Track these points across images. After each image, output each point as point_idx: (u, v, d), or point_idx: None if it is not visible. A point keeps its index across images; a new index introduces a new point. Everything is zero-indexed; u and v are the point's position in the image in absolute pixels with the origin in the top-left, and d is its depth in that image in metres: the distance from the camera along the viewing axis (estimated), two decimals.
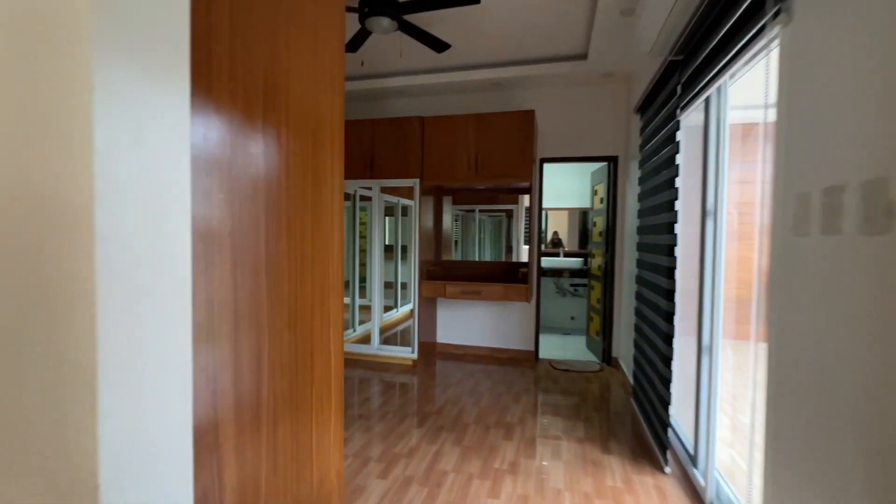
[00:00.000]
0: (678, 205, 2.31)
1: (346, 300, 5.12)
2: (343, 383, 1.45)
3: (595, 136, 4.30)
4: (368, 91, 4.53)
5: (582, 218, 6.48)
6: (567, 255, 6.41)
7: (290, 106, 1.12)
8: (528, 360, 4.52)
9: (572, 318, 6.02)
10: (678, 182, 2.30)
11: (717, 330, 2.11)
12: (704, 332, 2.18)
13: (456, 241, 5.07)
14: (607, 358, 4.39)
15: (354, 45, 3.17)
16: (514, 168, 4.00)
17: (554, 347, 5.05)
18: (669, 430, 2.36)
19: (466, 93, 4.56)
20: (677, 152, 2.30)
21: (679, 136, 2.32)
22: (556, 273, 6.08)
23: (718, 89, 2.06)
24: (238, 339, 0.95)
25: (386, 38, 3.49)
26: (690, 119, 2.40)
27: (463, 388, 3.65)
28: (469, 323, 4.71)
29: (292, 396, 1.16)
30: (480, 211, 5.00)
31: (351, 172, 4.38)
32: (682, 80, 2.31)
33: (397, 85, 4.33)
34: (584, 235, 6.48)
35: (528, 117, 3.98)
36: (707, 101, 2.16)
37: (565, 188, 6.24)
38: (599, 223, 4.72)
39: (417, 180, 4.18)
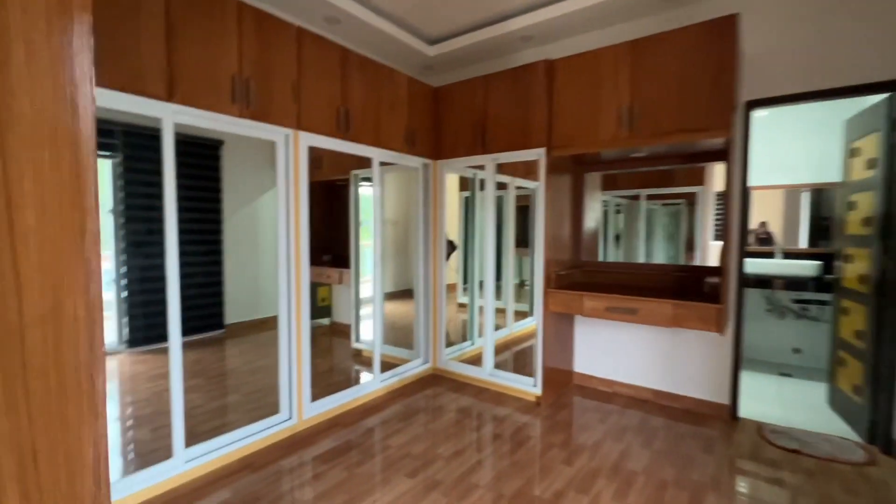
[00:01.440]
0: None
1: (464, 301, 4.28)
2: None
3: (856, 50, 2.44)
4: (480, 47, 3.54)
5: (815, 199, 4.26)
6: (788, 255, 4.29)
7: None
8: (717, 416, 2.92)
9: (797, 350, 3.96)
10: None
11: None
12: None
13: (613, 238, 3.68)
14: (881, 437, 2.49)
15: None
16: (698, 118, 2.49)
17: (765, 399, 3.24)
18: None
19: (615, 23, 3.17)
20: None
21: None
22: (764, 283, 4.08)
23: None
24: None
25: None
26: None
27: (603, 458, 2.38)
28: (621, 351, 3.32)
29: None
30: (649, 198, 3.50)
31: (459, 147, 3.47)
32: None
33: (519, 27, 3.24)
34: (817, 226, 4.26)
35: (723, 29, 2.42)
36: None
37: (783, 154, 4.16)
38: (863, 204, 2.77)
39: (543, 150, 3.02)
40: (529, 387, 3.16)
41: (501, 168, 3.76)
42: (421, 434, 2.66)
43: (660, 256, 3.41)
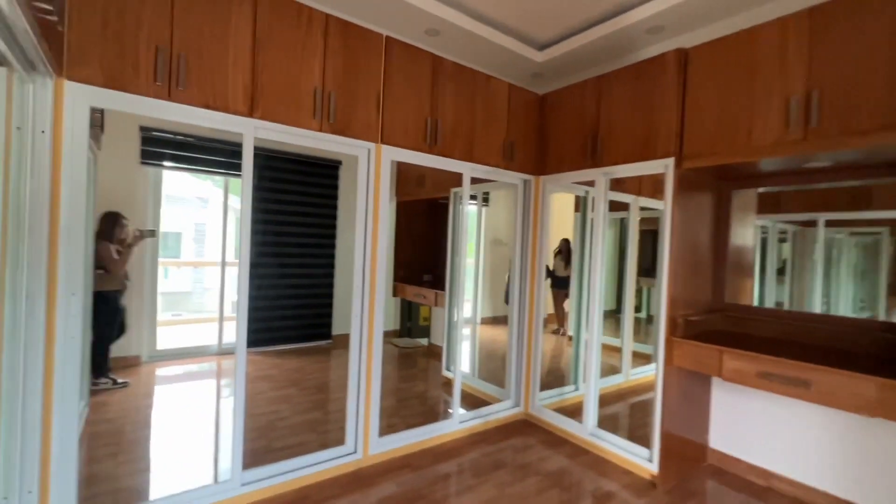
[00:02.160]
0: None
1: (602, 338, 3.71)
2: None
3: None
4: (597, 46, 3.05)
5: None
6: None
7: None
8: None
9: None
10: None
11: None
12: None
13: (774, 275, 2.79)
14: None
15: None
16: None
17: None
18: None
19: (765, 3, 2.40)
20: None
21: None
22: None
23: None
24: None
25: None
26: None
27: None
28: (783, 432, 2.43)
29: None
30: (829, 224, 2.55)
31: (565, 160, 3.00)
32: None
33: (646, 16, 2.69)
34: None
35: None
36: None
37: None
38: None
39: (671, 162, 2.40)
40: (643, 459, 2.48)
41: (621, 184, 3.19)
42: (496, 499, 2.23)
43: (846, 305, 2.43)
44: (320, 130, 2.18)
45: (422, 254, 4.81)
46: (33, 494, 1.56)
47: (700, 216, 2.56)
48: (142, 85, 1.71)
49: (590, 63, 3.35)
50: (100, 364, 3.35)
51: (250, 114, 1.97)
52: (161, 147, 4.31)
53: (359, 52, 2.30)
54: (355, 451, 2.41)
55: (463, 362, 4.05)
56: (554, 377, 4.05)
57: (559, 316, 4.42)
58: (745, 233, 2.72)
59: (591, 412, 2.81)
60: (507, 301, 3.63)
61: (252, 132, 2.00)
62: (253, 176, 4.68)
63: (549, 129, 3.12)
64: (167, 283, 4.23)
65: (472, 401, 3.44)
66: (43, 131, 1.52)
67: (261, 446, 2.66)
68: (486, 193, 5.50)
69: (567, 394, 3.46)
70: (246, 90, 1.95)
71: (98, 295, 3.27)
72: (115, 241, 3.43)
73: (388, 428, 2.85)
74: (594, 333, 2.83)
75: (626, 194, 3.69)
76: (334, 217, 5.31)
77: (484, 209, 5.63)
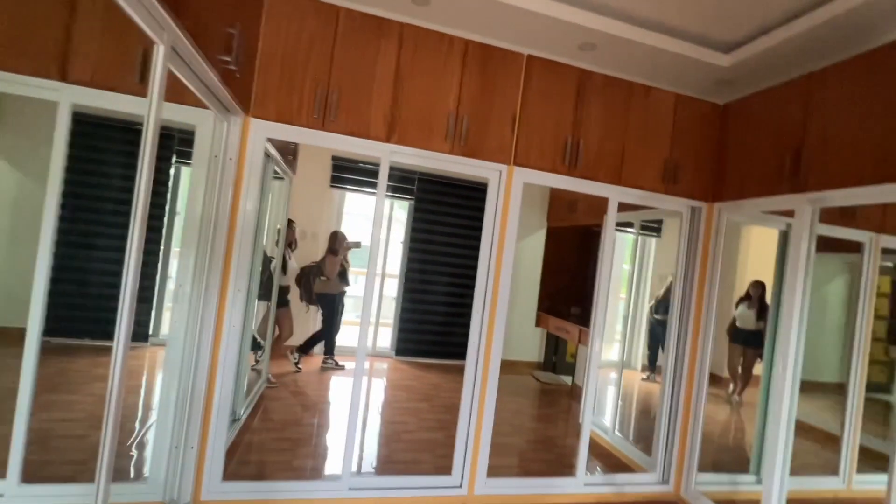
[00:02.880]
0: None
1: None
2: None
3: None
4: (808, 38, 2.33)
5: None
6: None
7: None
8: None
9: None
10: None
11: None
12: None
13: None
14: None
15: None
16: None
17: None
18: None
19: None
20: None
21: None
22: None
23: None
24: None
25: None
26: None
27: None
28: None
29: None
30: None
31: (750, 183, 2.36)
32: None
33: None
34: None
35: None
36: None
37: None
38: None
39: None
40: None
41: (850, 217, 2.41)
42: None
43: None
44: (451, 153, 2.20)
45: (570, 284, 4.45)
46: (194, 451, 1.92)
47: None
48: (303, 118, 2.01)
49: (798, 60, 2.60)
50: (330, 347, 4.37)
51: (387, 139, 2.11)
52: (346, 173, 5.09)
53: (497, 74, 2.26)
54: (460, 486, 2.28)
55: (606, 413, 3.53)
56: (728, 457, 3.19)
57: (736, 378, 3.51)
58: None
59: None
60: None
61: (388, 156, 2.14)
62: (414, 197, 5.05)
63: (732, 145, 2.52)
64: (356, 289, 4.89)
65: (611, 462, 2.94)
66: (231, 158, 1.90)
67: (382, 454, 2.77)
68: (659, 222, 4.82)
69: (743, 484, 2.66)
70: (385, 118, 2.11)
71: (321, 296, 4.32)
72: (340, 253, 4.34)
73: (503, 468, 2.65)
74: (782, 408, 2.09)
75: (859, 230, 2.73)
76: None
77: (654, 240, 4.94)
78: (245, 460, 2.42)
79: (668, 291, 3.88)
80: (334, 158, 4.92)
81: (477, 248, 5.32)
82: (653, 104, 2.51)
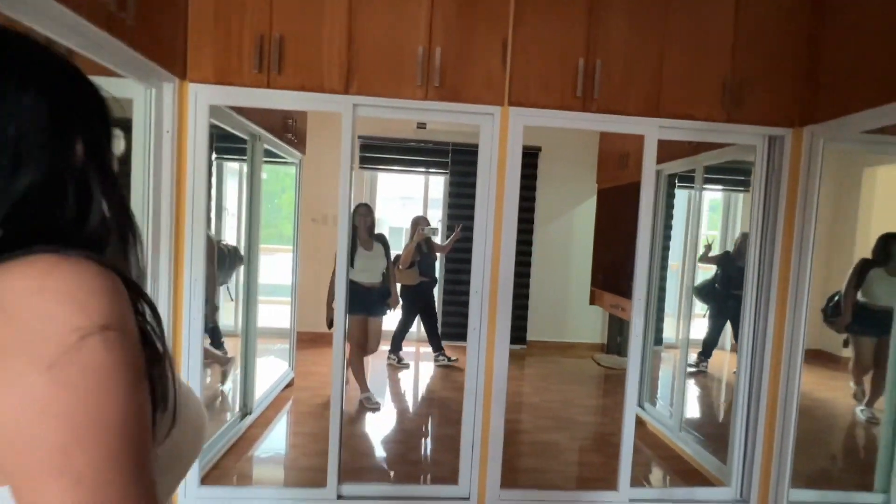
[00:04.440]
0: None
1: None
2: None
3: None
4: None
5: None
6: None
7: None
8: None
9: None
10: None
11: None
12: None
13: None
14: None
15: None
16: None
17: None
18: None
19: None
20: None
21: None
22: None
23: None
24: None
25: None
26: None
27: None
28: None
29: None
30: None
31: (862, 88, 1.63)
32: None
33: None
34: None
35: None
36: None
37: None
38: None
39: None
40: None
41: None
42: None
43: None
44: (427, 99, 1.78)
45: (627, 254, 3.76)
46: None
47: None
48: (245, 76, 1.72)
49: None
50: (396, 344, 3.95)
51: (346, 90, 1.75)
52: (374, 152, 4.83)
53: None
54: (469, 498, 1.92)
55: (665, 404, 2.93)
56: (842, 469, 2.47)
57: (859, 373, 2.59)
58: None
59: None
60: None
61: (350, 111, 1.78)
62: (448, 171, 4.62)
63: (830, 41, 1.77)
64: None
65: (679, 469, 2.39)
66: (167, 131, 1.68)
67: (397, 455, 2.50)
68: (743, 171, 3.95)
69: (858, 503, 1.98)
70: (341, 65, 1.74)
71: (402, 288, 3.65)
72: (415, 240, 3.63)
73: (533, 472, 2.24)
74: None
75: None
76: (532, 210, 4.83)
77: (741, 195, 4.06)
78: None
79: (726, 255, 3.10)
80: (361, 137, 4.68)
81: (520, 221, 4.77)
82: (702, 2, 1.84)
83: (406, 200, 5.51)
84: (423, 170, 4.91)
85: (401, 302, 3.46)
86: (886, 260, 2.42)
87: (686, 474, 2.35)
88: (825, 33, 1.81)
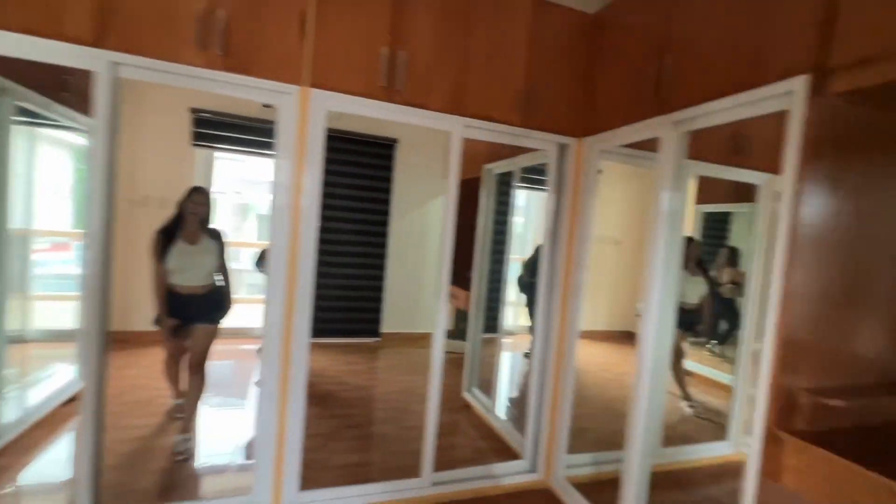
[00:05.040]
0: None
1: None
2: None
3: None
4: None
5: None
6: None
7: None
8: None
9: None
10: None
11: None
12: None
13: None
14: None
15: None
16: None
17: None
18: None
19: None
20: None
21: None
22: None
23: None
24: None
25: None
26: None
27: None
28: None
29: None
30: None
31: (619, 111, 1.90)
32: None
33: None
34: None
35: None
36: None
37: None
38: None
39: (803, 81, 1.19)
40: None
41: (744, 156, 2.05)
42: None
43: None
44: (209, 67, 1.57)
45: (468, 246, 3.96)
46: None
47: (868, 197, 1.28)
48: None
49: None
50: None
51: (98, 43, 1.45)
52: (212, 129, 4.29)
53: None
54: None
55: (496, 390, 3.16)
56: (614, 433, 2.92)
57: (681, 375, 2.94)
58: None
59: (631, 499, 1.72)
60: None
61: (108, 70, 1.48)
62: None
63: (603, 64, 2.03)
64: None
65: (492, 444, 2.56)
66: None
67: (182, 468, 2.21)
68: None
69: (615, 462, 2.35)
70: (92, 10, 1.44)
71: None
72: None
73: (353, 468, 2.20)
74: (645, 358, 1.72)
75: (754, 171, 2.39)
76: (387, 202, 4.81)
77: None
78: None
79: (537, 252, 3.41)
80: (193, 111, 4.11)
81: (377, 213, 4.58)
82: (504, 11, 1.96)
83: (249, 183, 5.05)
84: (269, 152, 4.53)
85: None
86: (685, 261, 2.91)
87: (500, 452, 2.54)
88: (598, 63, 2.07)
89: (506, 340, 3.76)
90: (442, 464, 2.17)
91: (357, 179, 4.69)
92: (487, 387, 3.18)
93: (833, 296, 1.25)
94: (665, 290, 1.69)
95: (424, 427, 2.06)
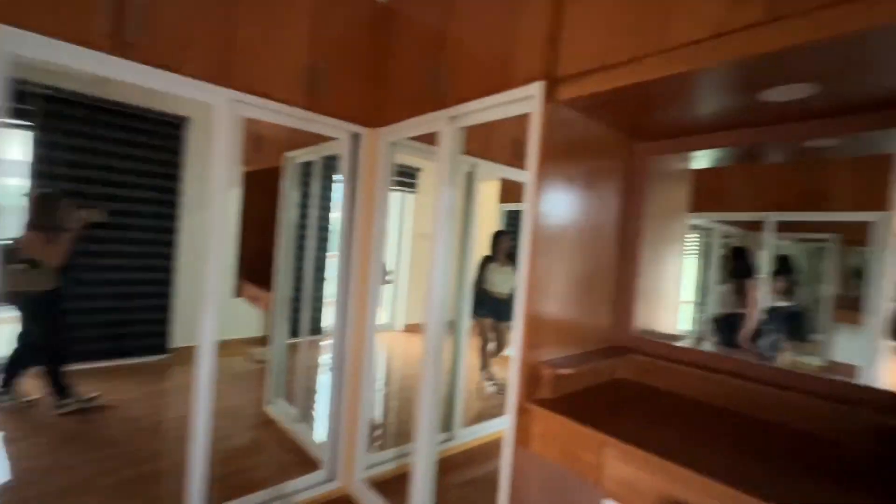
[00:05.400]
0: None
1: None
2: None
3: None
4: None
5: None
6: None
7: None
8: None
9: None
10: None
11: None
12: None
13: (717, 302, 1.76)
14: None
15: None
16: None
17: None
18: None
19: None
20: None
21: None
22: None
23: None
24: None
25: None
26: None
27: None
28: None
29: None
30: (782, 228, 1.51)
31: (407, 105, 1.90)
32: None
33: None
34: None
35: None
36: None
37: None
38: None
39: (538, 87, 1.33)
40: None
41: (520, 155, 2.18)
42: None
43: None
44: None
45: (263, 244, 3.58)
46: None
47: (592, 193, 1.52)
48: None
49: None
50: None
51: None
52: None
53: None
54: None
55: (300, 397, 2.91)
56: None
57: (489, 361, 3.23)
58: (672, 232, 1.70)
59: (420, 488, 1.73)
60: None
61: None
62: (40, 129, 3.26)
63: (393, 55, 2.01)
64: None
65: (295, 458, 2.32)
66: None
67: None
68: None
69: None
70: None
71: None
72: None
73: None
74: (429, 347, 1.75)
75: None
76: (174, 192, 4.03)
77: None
78: None
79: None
80: None
81: (161, 204, 3.74)
82: None
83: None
84: None
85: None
86: (495, 253, 3.11)
87: (305, 465, 2.31)
88: (389, 54, 2.04)
89: (327, 343, 3.54)
90: (233, 491, 1.87)
91: (135, 163, 3.81)
92: (299, 396, 2.91)
93: (569, 278, 1.44)
94: (445, 282, 1.75)
95: (187, 463, 1.71)
